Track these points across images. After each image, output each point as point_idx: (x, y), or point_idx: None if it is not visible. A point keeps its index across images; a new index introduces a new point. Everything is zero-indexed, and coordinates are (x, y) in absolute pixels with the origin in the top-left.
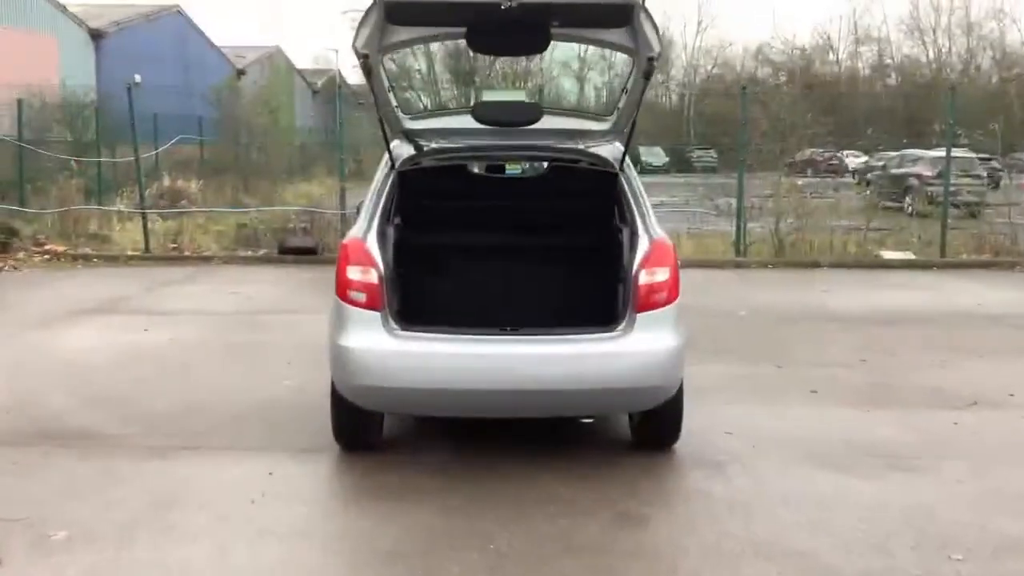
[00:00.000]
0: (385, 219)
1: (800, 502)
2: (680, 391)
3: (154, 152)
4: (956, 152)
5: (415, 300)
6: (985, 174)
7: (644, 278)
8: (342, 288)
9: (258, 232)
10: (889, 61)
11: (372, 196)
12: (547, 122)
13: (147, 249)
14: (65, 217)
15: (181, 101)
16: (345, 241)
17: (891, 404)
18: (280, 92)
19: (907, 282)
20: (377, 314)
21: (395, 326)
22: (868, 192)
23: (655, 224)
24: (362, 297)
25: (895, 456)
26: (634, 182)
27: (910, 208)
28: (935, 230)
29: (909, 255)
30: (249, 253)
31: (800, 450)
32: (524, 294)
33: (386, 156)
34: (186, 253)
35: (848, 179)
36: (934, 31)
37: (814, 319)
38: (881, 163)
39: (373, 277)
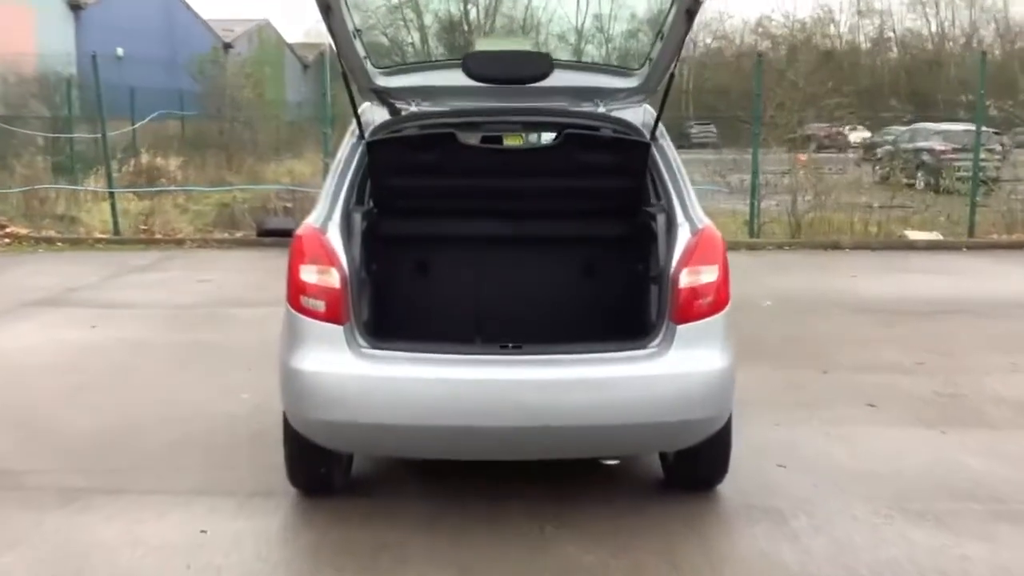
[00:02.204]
0: (351, 204)
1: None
2: (728, 421)
3: (131, 128)
4: (965, 126)
5: (390, 309)
6: (1000, 148)
7: (686, 279)
8: (294, 294)
9: (239, 212)
10: (891, 34)
11: (334, 174)
12: (558, 78)
13: (116, 232)
14: (30, 197)
15: (164, 75)
16: (299, 232)
17: (971, 423)
18: (268, 65)
19: (939, 265)
20: (339, 328)
21: (363, 343)
22: (877, 168)
23: (698, 209)
24: (320, 306)
25: (998, 499)
26: (670, 155)
27: (923, 184)
28: (955, 207)
29: (936, 235)
30: (226, 235)
31: (877, 492)
32: (530, 300)
33: (353, 123)
34: (157, 236)
35: (851, 155)
36: (937, 3)
37: (848, 310)
38: (890, 138)
39: (334, 279)
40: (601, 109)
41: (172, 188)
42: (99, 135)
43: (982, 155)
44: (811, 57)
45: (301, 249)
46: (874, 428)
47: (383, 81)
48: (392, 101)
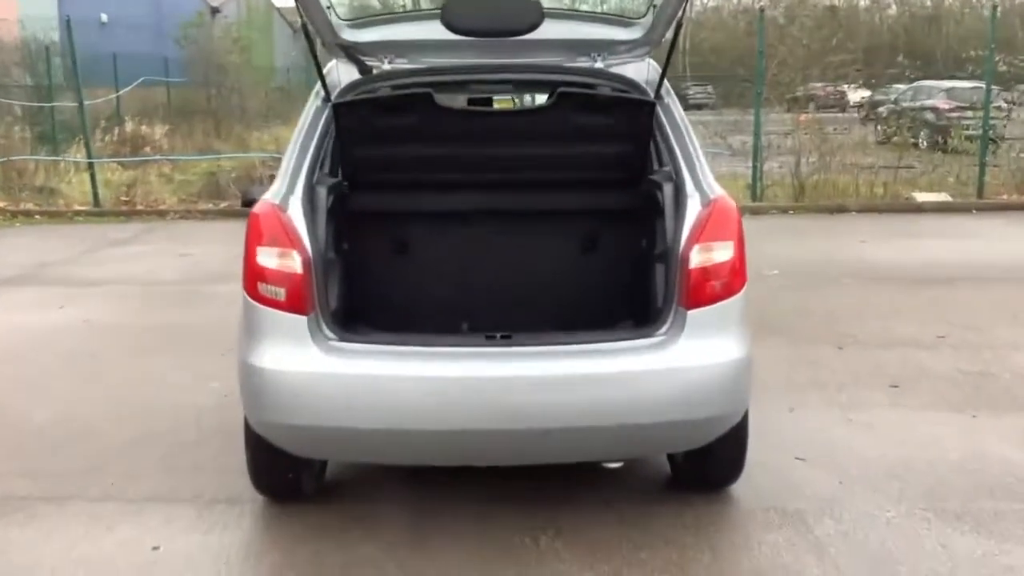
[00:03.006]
0: (316, 176)
1: None
2: (745, 416)
3: (114, 96)
4: (973, 84)
5: (363, 296)
6: (1004, 105)
7: (697, 257)
8: (251, 281)
9: (225, 182)
10: None
11: (296, 142)
12: (550, 30)
13: (96, 203)
14: (7, 168)
15: (151, 41)
16: (255, 209)
17: (1003, 406)
18: (256, 30)
19: (949, 228)
20: (302, 319)
21: (331, 335)
22: (879, 128)
23: (710, 177)
24: (280, 293)
25: None
26: (677, 116)
27: (926, 143)
28: (962, 167)
29: (944, 197)
30: (210, 206)
31: (910, 489)
32: (521, 282)
33: (318, 84)
34: (139, 207)
35: (852, 114)
36: None
37: (860, 278)
38: (891, 97)
39: (296, 263)
40: (599, 64)
41: (155, 157)
42: (93, 102)
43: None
44: (815, 12)
45: (257, 229)
46: (899, 413)
47: (350, 35)
48: (361, 58)
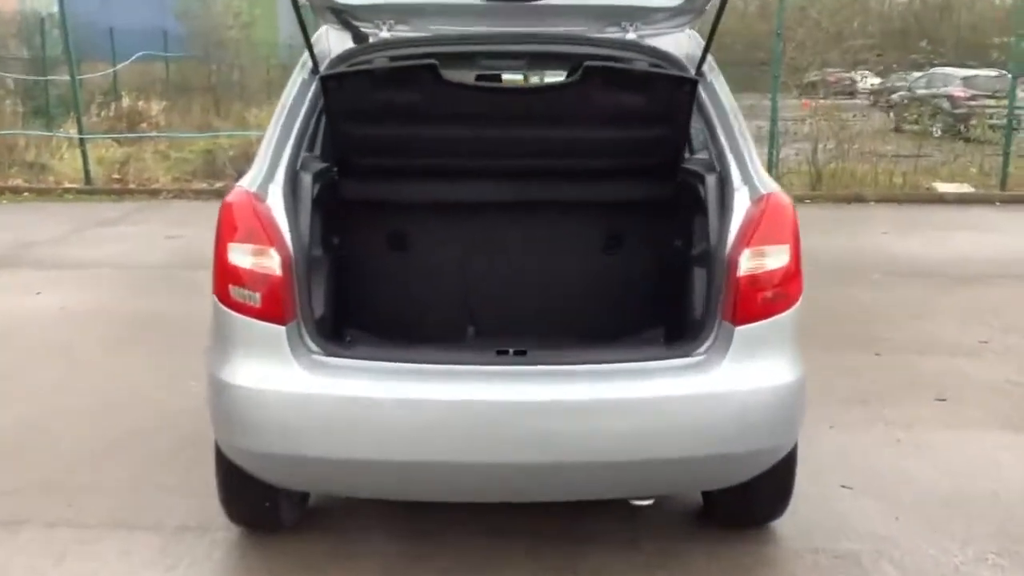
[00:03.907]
0: (300, 160)
1: None
2: (794, 446)
3: (111, 70)
4: (991, 72)
5: (354, 300)
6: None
7: (748, 263)
8: (221, 283)
9: (223, 160)
10: None
11: (278, 122)
12: None
13: (88, 181)
14: None
15: (151, 14)
16: (228, 198)
17: None
18: (258, 5)
19: (974, 221)
20: (280, 328)
21: (315, 348)
22: (891, 115)
23: (760, 168)
24: (255, 298)
25: None
26: (723, 97)
27: (939, 132)
28: (984, 157)
29: (966, 187)
30: (204, 186)
31: (975, 526)
32: (534, 286)
33: (305, 54)
34: (131, 186)
35: (862, 101)
36: None
37: (888, 273)
38: (904, 84)
39: (274, 263)
40: (631, 35)
41: (151, 134)
42: (87, 76)
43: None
44: None
45: (229, 222)
46: (951, 432)
47: None
48: (356, 24)
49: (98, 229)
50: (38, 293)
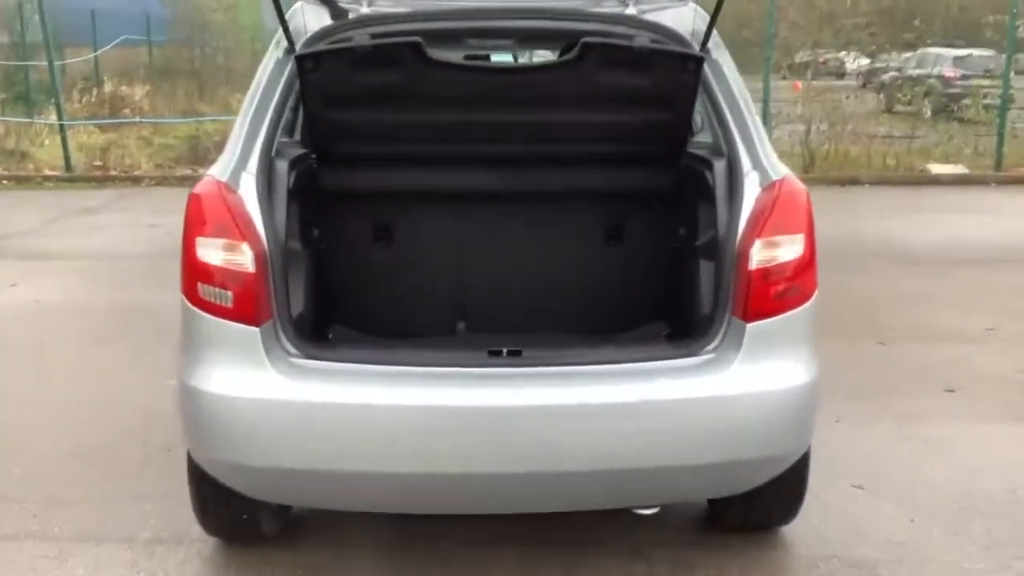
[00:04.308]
0: (275, 147)
1: None
2: (807, 450)
3: (92, 55)
4: (985, 51)
5: (335, 298)
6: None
7: (760, 255)
8: (190, 280)
9: (206, 147)
10: None
11: (251, 105)
12: None
13: (68, 168)
14: None
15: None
16: (196, 189)
17: None
18: None
19: (971, 203)
20: (254, 330)
21: (292, 351)
22: (881, 96)
23: (771, 152)
24: (227, 297)
25: None
26: (729, 76)
27: (929, 112)
28: (973, 138)
29: (961, 168)
30: (188, 172)
31: (996, 530)
32: (532, 283)
33: (279, 32)
34: (112, 173)
35: (849, 82)
36: None
37: (886, 259)
38: (895, 65)
39: (246, 259)
40: (631, 10)
41: (133, 120)
42: (68, 62)
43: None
44: None
45: (198, 214)
46: (963, 425)
47: None
48: None
49: (78, 218)
50: (13, 285)
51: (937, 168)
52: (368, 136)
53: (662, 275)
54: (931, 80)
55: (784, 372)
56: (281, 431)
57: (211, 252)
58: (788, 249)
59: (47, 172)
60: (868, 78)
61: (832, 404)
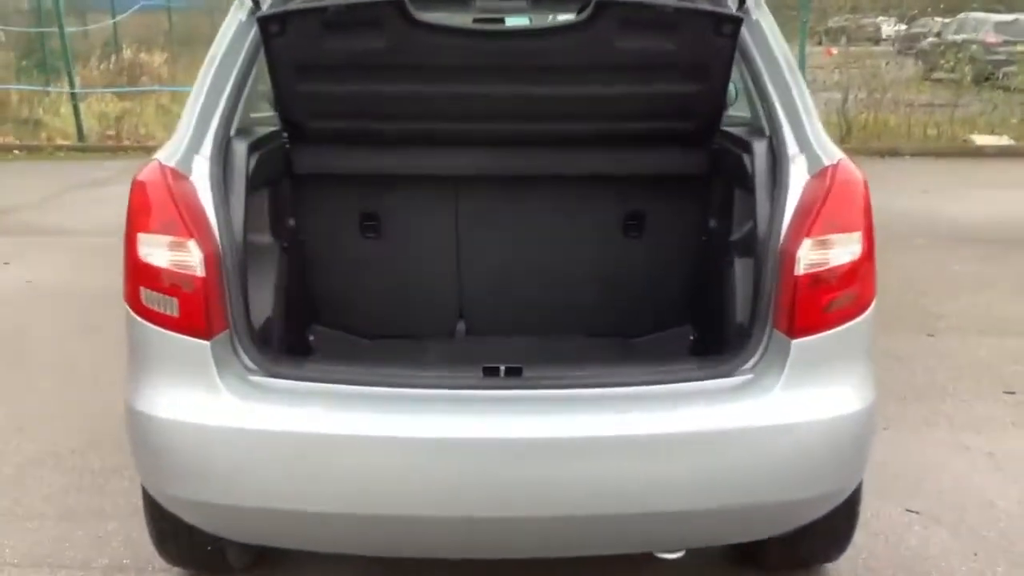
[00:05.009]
0: (234, 124)
1: None
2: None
3: (110, 21)
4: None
5: (316, 297)
6: None
7: (809, 256)
8: (132, 284)
9: None
10: None
11: (207, 76)
12: None
13: (81, 138)
14: None
15: None
16: (138, 176)
17: None
18: None
19: (1020, 177)
20: (205, 344)
21: (252, 367)
22: (918, 62)
23: (821, 132)
24: (172, 305)
25: None
26: (772, 41)
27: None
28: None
29: (1006, 140)
30: None
31: None
32: (538, 282)
33: None
34: (126, 143)
35: (886, 48)
36: None
37: (934, 238)
38: (930, 31)
39: (194, 260)
40: None
41: (151, 87)
42: (82, 28)
43: None
44: None
45: (141, 206)
46: None
47: None
48: None
49: (84, 191)
50: (6, 263)
51: (981, 139)
52: (346, 112)
53: (688, 272)
54: (972, 47)
55: (836, 399)
56: (237, 464)
57: (154, 251)
58: (843, 250)
59: (59, 142)
60: (905, 44)
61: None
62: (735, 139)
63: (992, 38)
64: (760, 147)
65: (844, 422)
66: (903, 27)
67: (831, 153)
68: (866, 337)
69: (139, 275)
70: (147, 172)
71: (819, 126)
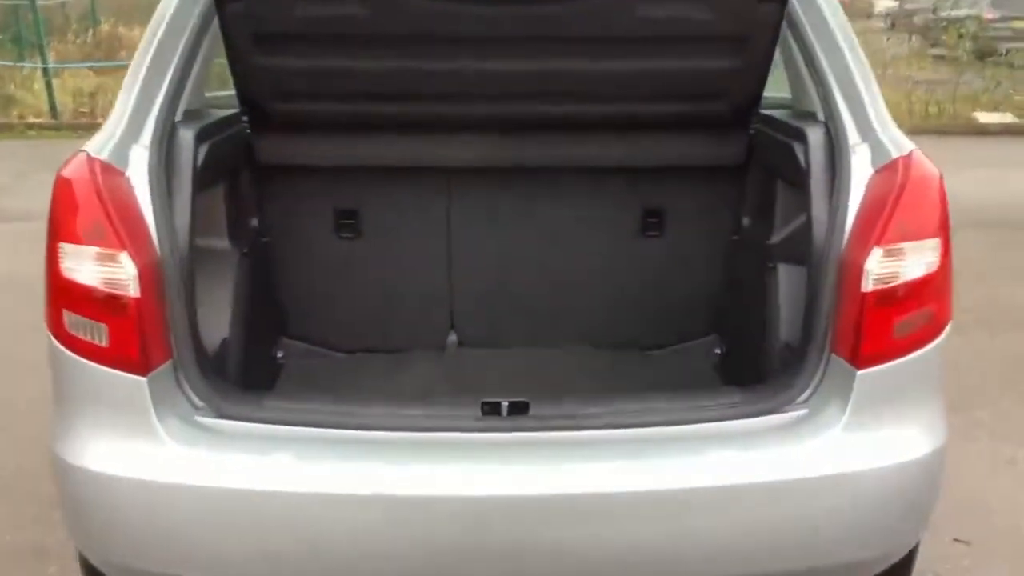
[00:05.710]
0: (180, 109)
1: None
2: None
3: None
4: None
5: (265, 321)
6: None
7: (879, 268)
8: (54, 306)
9: None
10: None
11: (146, 54)
12: None
13: (54, 115)
14: None
15: None
16: (64, 171)
17: None
18: None
19: None
20: (141, 380)
21: (200, 405)
22: (912, 38)
23: (888, 119)
24: (101, 333)
25: None
26: (828, 12)
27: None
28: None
29: (1010, 117)
30: None
31: None
32: (541, 287)
33: None
34: (100, 120)
35: (877, 23)
36: None
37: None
38: (923, 7)
39: (127, 276)
40: None
41: (126, 63)
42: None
43: None
44: None
45: (65, 210)
46: None
47: None
48: None
49: (52, 173)
50: None
51: (984, 116)
52: (316, 92)
53: (715, 277)
54: (967, 21)
55: (907, 440)
56: (182, 527)
57: (79, 266)
58: (917, 260)
59: (31, 119)
60: (897, 19)
61: None
62: (779, 125)
63: (989, 14)
64: (815, 135)
65: (914, 468)
66: (895, 3)
67: (900, 143)
68: (940, 365)
69: (61, 295)
70: (72, 167)
71: (884, 111)
